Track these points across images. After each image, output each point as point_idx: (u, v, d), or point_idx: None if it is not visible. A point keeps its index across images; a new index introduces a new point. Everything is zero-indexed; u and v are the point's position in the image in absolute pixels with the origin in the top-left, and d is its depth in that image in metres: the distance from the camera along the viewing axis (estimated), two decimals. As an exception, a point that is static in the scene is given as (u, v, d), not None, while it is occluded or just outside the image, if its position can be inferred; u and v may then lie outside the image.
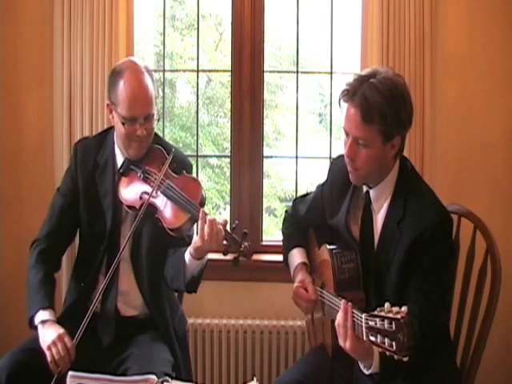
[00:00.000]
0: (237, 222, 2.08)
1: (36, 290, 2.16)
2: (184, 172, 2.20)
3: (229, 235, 2.01)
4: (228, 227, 2.03)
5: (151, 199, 2.11)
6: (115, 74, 2.17)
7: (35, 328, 2.10)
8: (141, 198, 2.14)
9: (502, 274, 2.10)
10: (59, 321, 2.20)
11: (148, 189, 2.13)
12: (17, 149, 3.00)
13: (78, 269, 2.31)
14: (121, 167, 2.21)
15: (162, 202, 2.11)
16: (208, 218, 1.98)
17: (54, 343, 2.00)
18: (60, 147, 2.88)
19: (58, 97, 2.88)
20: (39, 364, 2.04)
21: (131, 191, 2.16)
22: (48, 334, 2.04)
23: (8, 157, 3.00)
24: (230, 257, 2.04)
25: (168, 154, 2.17)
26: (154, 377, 1.76)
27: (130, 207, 2.16)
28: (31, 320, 2.11)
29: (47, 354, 2.00)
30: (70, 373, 1.74)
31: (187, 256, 2.08)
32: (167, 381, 1.76)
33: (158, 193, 2.12)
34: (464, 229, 2.23)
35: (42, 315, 2.10)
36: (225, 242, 2.02)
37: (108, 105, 2.20)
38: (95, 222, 2.22)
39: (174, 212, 2.08)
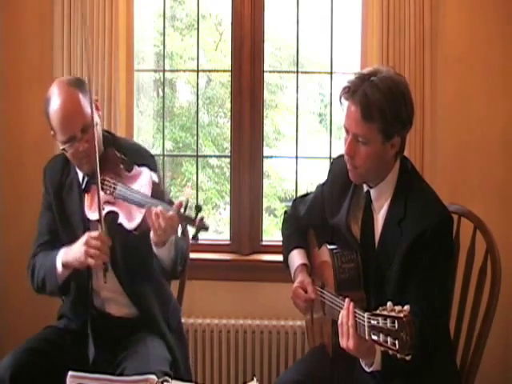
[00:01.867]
0: (188, 199, 2.03)
1: (46, 258, 2.18)
2: (135, 167, 2.14)
3: (183, 217, 1.96)
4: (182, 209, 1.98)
5: (110, 207, 2.08)
6: (45, 105, 2.14)
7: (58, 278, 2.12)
8: (103, 208, 2.10)
9: (501, 273, 2.10)
10: (55, 330, 2.23)
11: (106, 197, 2.10)
12: (17, 149, 3.00)
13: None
14: (82, 184, 2.21)
15: (118, 207, 2.08)
16: (154, 210, 1.95)
17: (87, 246, 2.01)
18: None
19: (58, 97, 2.87)
20: (43, 364, 2.06)
21: (94, 206, 2.12)
22: (75, 249, 2.07)
23: (8, 157, 3.01)
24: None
25: (123, 154, 2.13)
26: (153, 377, 1.75)
27: (98, 221, 2.12)
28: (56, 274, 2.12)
29: (89, 261, 2.02)
30: (70, 373, 1.73)
31: (154, 248, 2.06)
32: (167, 381, 1.75)
33: (114, 198, 2.09)
34: (464, 229, 2.22)
35: (59, 254, 2.12)
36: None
37: (53, 135, 2.18)
38: (70, 239, 2.18)
39: (130, 212, 2.05)
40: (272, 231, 4.37)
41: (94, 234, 2.04)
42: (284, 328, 2.93)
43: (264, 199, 3.16)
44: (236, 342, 2.93)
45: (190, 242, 2.01)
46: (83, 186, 2.20)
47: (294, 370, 2.12)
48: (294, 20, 3.06)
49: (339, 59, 3.08)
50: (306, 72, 3.91)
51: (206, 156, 4.52)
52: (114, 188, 2.09)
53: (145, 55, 3.86)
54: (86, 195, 2.17)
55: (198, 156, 3.38)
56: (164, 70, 3.29)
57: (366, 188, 2.01)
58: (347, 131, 1.91)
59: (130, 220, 2.05)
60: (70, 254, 2.09)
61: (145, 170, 2.12)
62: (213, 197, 4.61)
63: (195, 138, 3.28)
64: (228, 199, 3.23)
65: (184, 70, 4.63)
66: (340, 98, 1.91)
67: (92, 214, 2.14)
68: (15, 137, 3.00)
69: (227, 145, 3.61)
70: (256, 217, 3.05)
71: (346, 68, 3.16)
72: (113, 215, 2.08)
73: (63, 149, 2.12)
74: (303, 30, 3.26)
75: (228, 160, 3.16)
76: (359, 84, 1.85)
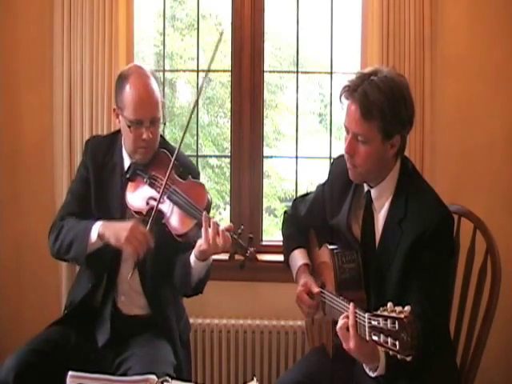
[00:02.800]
0: (242, 227, 2.07)
1: (78, 223, 2.18)
2: (190, 177, 2.20)
3: (235, 241, 2.00)
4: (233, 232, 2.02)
5: (158, 204, 2.10)
6: (122, 79, 2.19)
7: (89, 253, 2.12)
8: (147, 203, 2.14)
9: (501, 273, 2.10)
10: (63, 319, 2.23)
11: (154, 194, 2.14)
12: (16, 149, 2.99)
13: (86, 268, 2.31)
14: (127, 172, 2.23)
15: (168, 208, 2.10)
16: (213, 222, 1.98)
17: (131, 233, 2.03)
18: (60, 147, 2.88)
19: (58, 97, 2.87)
20: (46, 365, 2.06)
21: (138, 197, 2.17)
22: (119, 228, 2.08)
23: (7, 157, 3.00)
24: (236, 257, 2.04)
25: (175, 159, 2.16)
26: (153, 377, 1.75)
27: (136, 212, 2.16)
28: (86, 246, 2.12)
29: (127, 247, 2.05)
30: (70, 373, 1.73)
31: (192, 259, 2.08)
32: (167, 381, 1.75)
33: (165, 198, 2.11)
34: (464, 229, 2.23)
35: (97, 224, 2.12)
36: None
37: (115, 109, 2.22)
38: (104, 218, 2.20)
39: (180, 218, 2.08)
40: (272, 231, 4.38)
41: (143, 229, 2.07)
42: (284, 328, 2.92)
43: (264, 199, 3.15)
44: (236, 342, 2.93)
45: (239, 268, 2.04)
46: (128, 175, 2.22)
47: (295, 370, 2.12)
48: (294, 20, 3.05)
49: (339, 59, 3.08)
50: (306, 72, 3.91)
51: (206, 156, 4.52)
52: (167, 188, 2.11)
53: (145, 55, 3.86)
54: (129, 183, 2.20)
55: (198, 156, 3.37)
56: (164, 70, 3.29)
57: (366, 188, 2.01)
58: (347, 130, 1.91)
59: (175, 225, 2.07)
60: (111, 228, 2.10)
61: (203, 185, 2.19)
62: (213, 197, 4.61)
63: (195, 138, 3.28)
64: (228, 199, 3.22)
65: (184, 70, 4.64)
66: (340, 96, 1.91)
67: (133, 204, 2.17)
68: (14, 137, 2.99)
69: (227, 145, 3.61)
70: (256, 217, 3.05)
71: (346, 68, 3.16)
72: (159, 214, 2.11)
73: (129, 126, 2.15)
74: (303, 30, 3.26)
75: (228, 160, 3.15)
76: (359, 83, 1.86)
